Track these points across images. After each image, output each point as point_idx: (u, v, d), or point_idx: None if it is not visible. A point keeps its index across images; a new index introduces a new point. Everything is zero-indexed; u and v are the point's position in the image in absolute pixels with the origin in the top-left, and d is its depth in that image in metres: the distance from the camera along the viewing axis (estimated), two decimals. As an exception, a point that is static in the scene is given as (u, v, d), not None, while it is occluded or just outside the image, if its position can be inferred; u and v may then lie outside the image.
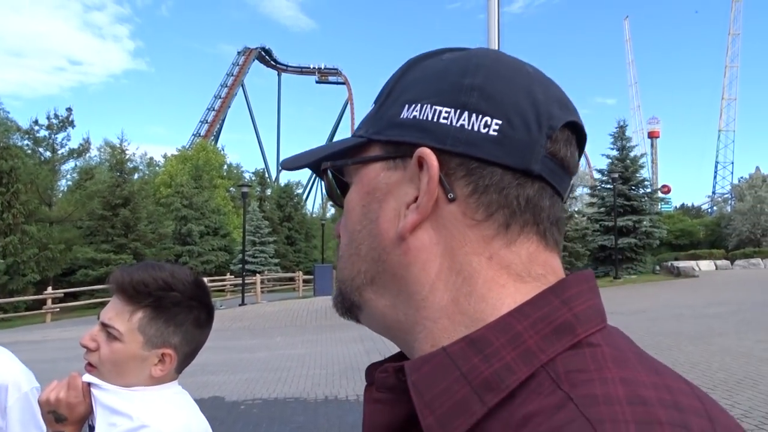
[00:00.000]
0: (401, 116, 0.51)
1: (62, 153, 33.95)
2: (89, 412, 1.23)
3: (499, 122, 0.48)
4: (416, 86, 0.52)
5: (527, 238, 0.49)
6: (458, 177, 0.48)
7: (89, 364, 1.25)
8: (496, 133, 0.47)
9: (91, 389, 1.22)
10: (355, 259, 0.53)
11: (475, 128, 0.48)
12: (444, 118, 0.48)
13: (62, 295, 24.18)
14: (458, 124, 0.48)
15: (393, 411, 0.47)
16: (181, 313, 1.26)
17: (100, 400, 1.21)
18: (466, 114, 0.48)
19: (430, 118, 0.49)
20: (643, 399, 0.38)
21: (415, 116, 0.50)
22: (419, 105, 0.50)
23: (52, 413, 1.21)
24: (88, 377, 1.23)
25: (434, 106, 0.49)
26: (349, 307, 0.55)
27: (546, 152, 0.48)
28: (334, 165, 0.55)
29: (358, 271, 0.53)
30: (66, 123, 33.04)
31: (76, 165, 36.85)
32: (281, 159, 0.60)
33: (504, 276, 0.48)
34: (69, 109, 33.21)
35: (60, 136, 33.37)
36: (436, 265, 0.49)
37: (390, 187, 0.51)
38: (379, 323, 0.54)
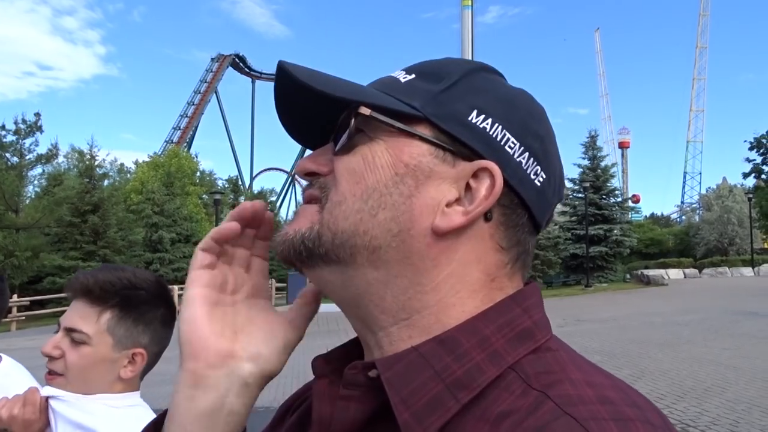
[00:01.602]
0: (469, 118, 0.51)
1: (30, 158, 33.19)
2: (45, 428, 1.17)
3: (545, 177, 0.53)
4: (486, 97, 0.52)
5: (519, 275, 0.54)
6: (500, 204, 0.51)
7: (50, 373, 1.20)
8: (539, 184, 0.52)
9: (51, 403, 1.17)
10: (366, 218, 0.50)
11: (529, 172, 0.52)
12: (510, 147, 0.51)
13: (28, 303, 23.67)
14: (519, 160, 0.51)
15: (360, 408, 0.48)
16: (149, 311, 1.24)
17: (62, 415, 1.15)
18: (527, 155, 0.52)
19: (499, 140, 0.51)
20: (610, 399, 0.42)
21: (485, 128, 0.51)
22: (490, 120, 0.51)
23: (2, 431, 1.16)
24: (48, 390, 1.18)
25: (505, 131, 0.51)
26: (314, 256, 0.52)
27: (550, 214, 0.56)
28: (374, 116, 0.51)
29: (363, 232, 0.50)
30: (34, 128, 32.33)
31: (44, 171, 36.07)
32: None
33: (499, 297, 0.51)
34: (37, 114, 32.45)
35: (28, 142, 32.56)
36: (448, 269, 0.50)
37: (432, 174, 0.50)
38: (352, 291, 0.52)
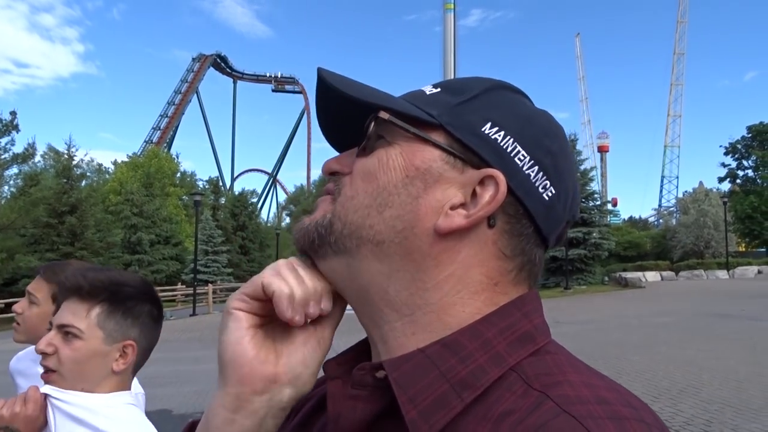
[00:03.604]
0: (483, 129, 0.54)
1: (5, 158, 32.64)
2: (44, 425, 1.23)
3: (554, 192, 0.55)
4: (502, 112, 0.55)
5: (525, 284, 0.56)
6: (505, 212, 0.53)
7: (46, 372, 1.24)
8: (548, 199, 0.54)
9: (50, 400, 1.22)
10: (373, 214, 0.54)
11: (537, 185, 0.54)
12: (519, 159, 0.53)
13: (2, 305, 23.24)
14: (527, 172, 0.53)
15: (368, 407, 0.50)
16: (137, 306, 1.30)
17: (62, 410, 1.20)
18: (536, 168, 0.54)
19: (509, 151, 0.53)
20: (606, 399, 0.45)
21: (496, 139, 0.53)
22: (503, 132, 0.54)
23: (4, 429, 1.21)
24: (46, 388, 1.23)
25: (516, 144, 0.54)
26: (325, 244, 0.56)
27: (560, 231, 0.58)
28: (392, 120, 0.54)
29: (369, 226, 0.54)
30: (10, 127, 31.75)
31: (20, 171, 35.44)
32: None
33: (502, 300, 0.54)
34: (13, 113, 31.84)
35: (3, 141, 31.97)
36: (449, 269, 0.53)
37: (441, 179, 0.53)
38: (357, 282, 0.55)
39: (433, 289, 0.53)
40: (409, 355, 0.50)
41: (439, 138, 0.54)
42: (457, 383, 0.48)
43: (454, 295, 0.53)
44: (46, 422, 1.22)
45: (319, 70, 0.56)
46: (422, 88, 0.60)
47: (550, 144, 0.56)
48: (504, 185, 0.52)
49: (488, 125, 0.54)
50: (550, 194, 0.55)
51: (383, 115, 0.54)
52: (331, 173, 0.60)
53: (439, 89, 0.58)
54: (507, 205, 0.53)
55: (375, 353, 0.57)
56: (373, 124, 0.56)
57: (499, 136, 0.54)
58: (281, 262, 0.57)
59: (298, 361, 0.56)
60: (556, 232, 0.57)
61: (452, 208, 0.53)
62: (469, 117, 0.54)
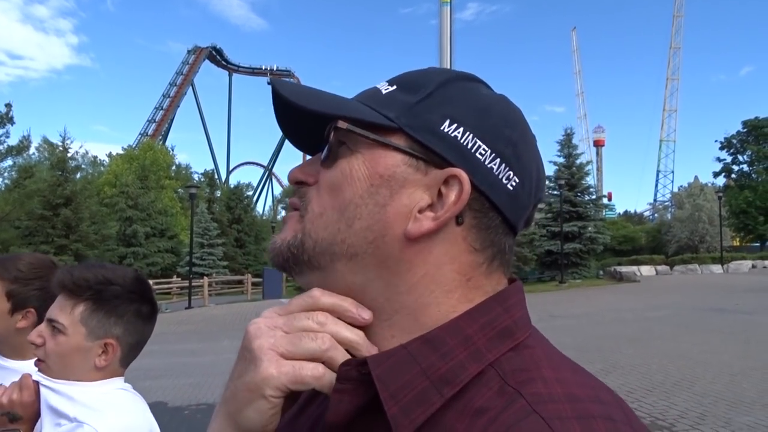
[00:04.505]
0: (442, 128, 0.54)
1: (0, 150, 32.54)
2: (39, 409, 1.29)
3: (517, 181, 0.55)
4: (459, 107, 0.55)
5: (499, 272, 0.57)
6: (471, 208, 0.54)
7: (38, 360, 1.31)
8: (512, 188, 0.55)
9: (40, 387, 1.28)
10: (342, 228, 0.55)
11: (500, 177, 0.54)
12: (480, 154, 0.54)
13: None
14: (489, 166, 0.54)
15: (352, 400, 0.51)
16: (121, 305, 1.32)
17: (46, 400, 1.27)
18: (498, 160, 0.54)
19: (469, 147, 0.54)
20: (576, 397, 0.47)
21: (456, 137, 0.54)
22: (462, 128, 0.54)
23: (6, 414, 1.28)
24: (37, 376, 1.30)
25: (476, 138, 0.54)
26: (300, 262, 0.57)
27: (527, 215, 0.59)
28: (350, 129, 0.54)
29: (341, 241, 0.55)
30: (5, 119, 31.59)
31: (14, 163, 35.25)
32: (279, 86, 0.57)
33: (477, 295, 0.55)
34: (8, 105, 31.69)
35: (-2, 133, 31.95)
36: (422, 270, 0.54)
37: (406, 183, 0.54)
38: (334, 292, 0.56)
39: (407, 293, 0.54)
40: (392, 351, 0.51)
41: (399, 141, 0.54)
42: (437, 379, 0.49)
43: (428, 295, 0.54)
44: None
45: (272, 83, 0.56)
46: (377, 86, 0.59)
47: (510, 133, 0.56)
48: (468, 184, 0.52)
49: (447, 122, 0.54)
50: (513, 184, 0.55)
51: (341, 124, 0.54)
52: (296, 183, 0.60)
53: (394, 86, 0.58)
54: (473, 201, 0.54)
55: None
56: (332, 133, 0.55)
57: (459, 132, 0.54)
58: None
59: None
60: (524, 217, 0.58)
61: (420, 211, 0.53)
62: (428, 116, 0.54)
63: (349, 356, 0.53)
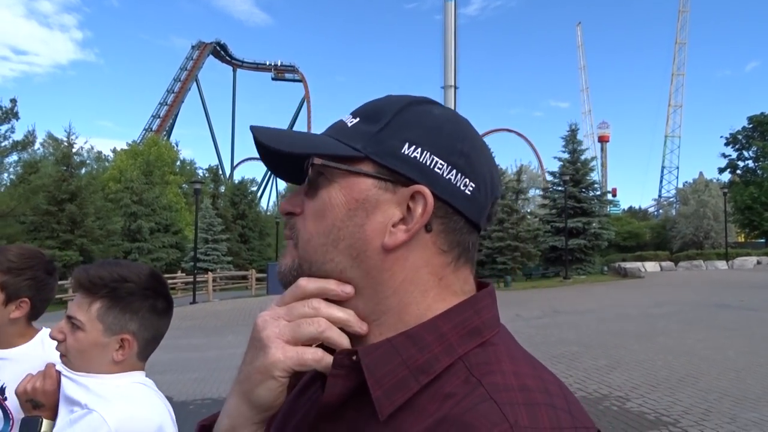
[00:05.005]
0: (402, 151, 0.63)
1: (5, 145, 32.59)
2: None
3: (474, 186, 0.64)
4: (415, 130, 0.64)
5: (465, 268, 0.66)
6: (437, 216, 0.62)
7: (61, 354, 1.38)
8: (470, 193, 0.64)
9: (61, 377, 1.37)
10: (330, 249, 0.64)
11: (458, 185, 0.63)
12: (438, 168, 0.63)
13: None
14: (447, 177, 0.63)
15: (345, 384, 0.60)
16: (136, 302, 1.37)
17: (63, 390, 1.34)
18: (454, 171, 0.63)
19: (428, 164, 0.62)
20: (527, 387, 0.56)
21: (415, 157, 0.62)
22: (420, 149, 0.63)
23: (30, 401, 1.37)
24: (59, 366, 1.39)
25: (433, 156, 0.63)
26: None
27: (487, 212, 0.67)
28: (325, 163, 0.63)
29: (330, 260, 0.64)
30: (10, 114, 31.64)
31: (20, 158, 35.32)
32: (253, 130, 0.65)
33: (447, 293, 0.64)
34: (13, 100, 31.71)
35: (3, 128, 31.95)
36: (402, 276, 0.63)
37: (379, 204, 0.63)
38: None
39: (392, 296, 0.63)
40: (379, 344, 0.60)
41: (368, 168, 0.63)
42: (415, 369, 0.58)
43: (408, 296, 0.62)
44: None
45: (252, 130, 0.65)
46: (343, 119, 0.68)
47: (462, 146, 0.64)
48: (430, 197, 0.61)
49: (406, 146, 0.63)
50: (471, 189, 0.64)
51: (317, 161, 0.63)
52: (286, 214, 0.69)
53: (358, 119, 0.67)
54: (437, 210, 0.62)
55: (354, 342, 0.66)
56: (310, 168, 0.64)
57: (417, 153, 0.62)
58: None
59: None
60: (484, 215, 0.67)
61: (394, 225, 0.62)
62: (389, 142, 0.63)
63: (342, 333, 0.62)
